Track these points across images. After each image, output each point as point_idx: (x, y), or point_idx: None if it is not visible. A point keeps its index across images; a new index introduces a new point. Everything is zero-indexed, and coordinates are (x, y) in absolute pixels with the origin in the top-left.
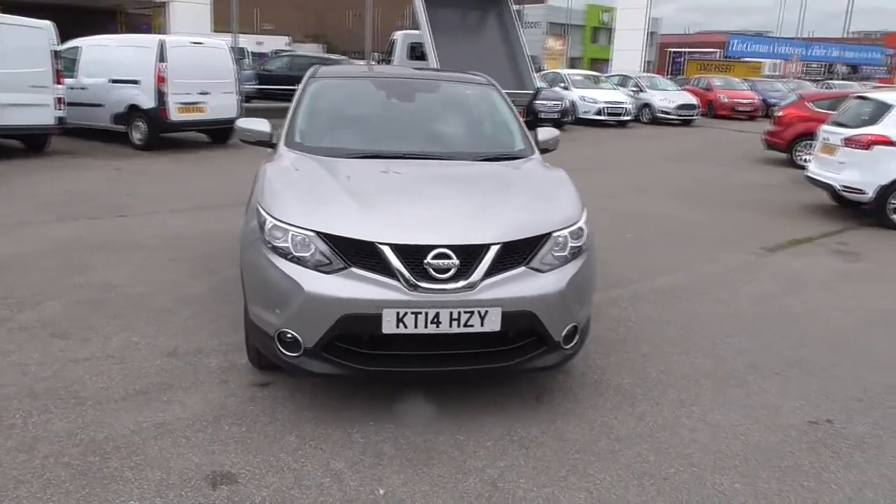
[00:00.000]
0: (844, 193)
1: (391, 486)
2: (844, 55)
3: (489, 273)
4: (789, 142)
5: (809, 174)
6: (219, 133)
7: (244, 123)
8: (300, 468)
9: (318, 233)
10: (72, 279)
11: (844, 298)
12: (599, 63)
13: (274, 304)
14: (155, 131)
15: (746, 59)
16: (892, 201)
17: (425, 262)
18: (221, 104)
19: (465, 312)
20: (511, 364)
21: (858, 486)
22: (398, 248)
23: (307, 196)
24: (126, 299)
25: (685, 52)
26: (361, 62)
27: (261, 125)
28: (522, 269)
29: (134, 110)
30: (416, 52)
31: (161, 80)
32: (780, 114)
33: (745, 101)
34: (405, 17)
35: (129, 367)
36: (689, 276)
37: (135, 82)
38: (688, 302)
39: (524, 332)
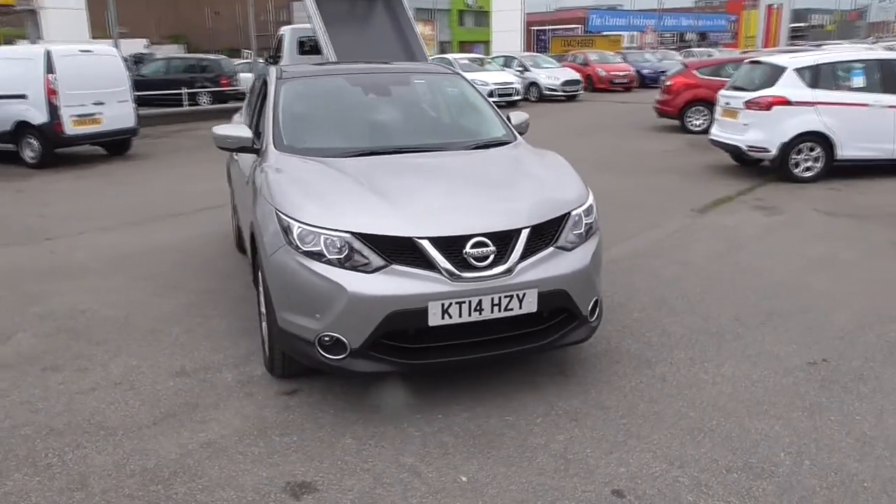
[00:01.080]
0: (751, 153)
1: (469, 472)
2: (694, 24)
3: (523, 256)
4: (680, 109)
5: (713, 137)
6: (115, 145)
7: (222, 130)
8: (372, 468)
9: (353, 233)
10: (30, 309)
11: (782, 249)
12: (468, 45)
13: (313, 309)
14: (49, 147)
15: (606, 33)
16: (793, 157)
17: (464, 251)
18: (118, 114)
19: (505, 297)
20: (547, 342)
21: (877, 414)
22: (437, 241)
23: (330, 197)
24: (102, 324)
25: (549, 30)
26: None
27: (240, 131)
28: (551, 249)
29: (24, 127)
30: (306, 48)
31: (52, 92)
32: (669, 83)
33: (621, 73)
34: (268, 11)
35: (144, 392)
36: (641, 243)
37: (21, 97)
38: (650, 267)
39: (556, 310)
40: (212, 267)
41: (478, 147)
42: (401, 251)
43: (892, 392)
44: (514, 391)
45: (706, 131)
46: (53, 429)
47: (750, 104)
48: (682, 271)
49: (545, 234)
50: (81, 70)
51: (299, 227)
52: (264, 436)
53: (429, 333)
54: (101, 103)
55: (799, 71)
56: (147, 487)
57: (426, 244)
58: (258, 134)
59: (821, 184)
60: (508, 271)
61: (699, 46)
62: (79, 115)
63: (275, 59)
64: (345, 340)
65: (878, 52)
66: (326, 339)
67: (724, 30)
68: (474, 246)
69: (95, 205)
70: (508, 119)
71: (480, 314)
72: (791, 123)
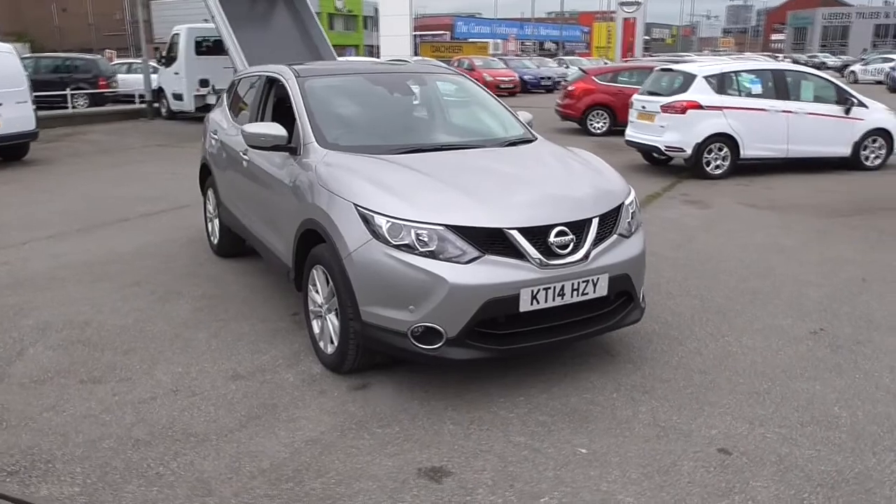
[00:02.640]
0: (668, 152)
1: (582, 444)
2: (551, 33)
3: (594, 244)
4: (582, 112)
5: (629, 138)
6: (12, 150)
7: (254, 128)
8: (490, 449)
9: (447, 226)
10: (21, 322)
11: (729, 238)
12: (339, 49)
13: (407, 301)
14: None
15: (472, 40)
16: (705, 156)
17: (549, 240)
18: (16, 116)
19: (583, 282)
20: (613, 323)
21: (890, 369)
22: (525, 232)
23: (411, 192)
24: (117, 333)
25: (417, 36)
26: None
27: (275, 129)
28: (615, 236)
29: None
30: (202, 48)
31: None
32: (572, 88)
33: (506, 78)
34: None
35: (210, 398)
36: None
37: None
38: None
39: (619, 293)
40: (199, 272)
41: (510, 144)
42: (492, 242)
43: (891, 351)
44: (575, 372)
45: (607, 133)
46: (138, 439)
47: (666, 108)
48: (656, 260)
49: (608, 222)
50: None
51: (388, 221)
52: (365, 429)
53: (517, 319)
54: None
55: (707, 78)
56: (278, 486)
57: (516, 234)
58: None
59: (730, 180)
60: (585, 257)
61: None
62: None
63: (168, 60)
64: (441, 330)
65: (769, 63)
66: (420, 329)
67: (579, 40)
68: (557, 235)
69: (24, 213)
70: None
71: (563, 299)
72: (703, 126)
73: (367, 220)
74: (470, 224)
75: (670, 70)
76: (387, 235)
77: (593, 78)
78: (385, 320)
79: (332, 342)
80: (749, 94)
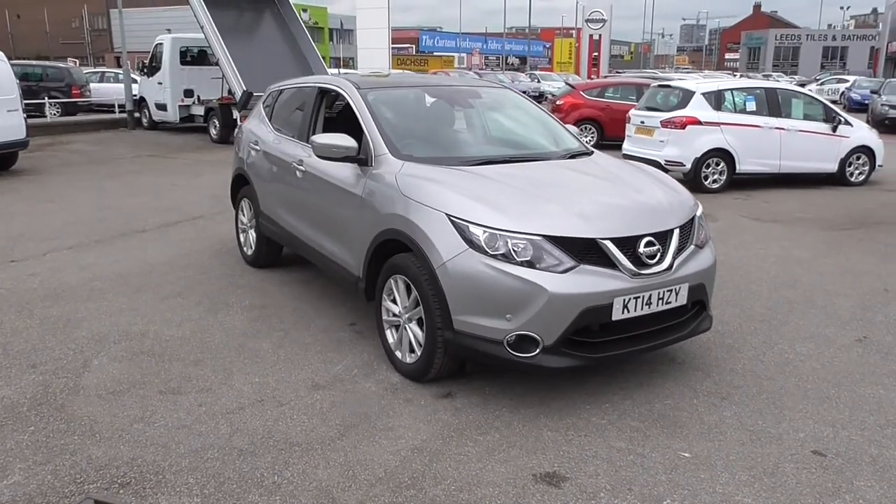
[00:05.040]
0: (668, 167)
1: (683, 448)
2: (515, 48)
3: (676, 254)
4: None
5: (627, 152)
6: (1, 159)
7: (324, 139)
8: (597, 454)
9: (544, 236)
10: (75, 334)
11: (747, 250)
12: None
13: (504, 310)
14: None
15: (438, 53)
16: (704, 170)
17: (638, 250)
18: (6, 125)
19: (667, 291)
20: (689, 331)
21: None
22: (617, 242)
23: (503, 202)
24: (179, 344)
25: None
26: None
27: (345, 140)
28: (692, 247)
29: None
30: (187, 58)
31: None
32: (560, 102)
33: None
34: (83, 17)
35: (298, 407)
36: None
37: None
38: None
39: (694, 302)
40: (239, 283)
41: (571, 156)
42: (586, 251)
43: None
44: (650, 379)
45: (595, 147)
46: (242, 449)
47: (666, 123)
48: None
49: (685, 233)
50: None
51: (485, 231)
52: (465, 437)
53: (608, 328)
54: None
55: (706, 95)
56: (402, 493)
57: (609, 244)
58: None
59: (727, 194)
60: (670, 267)
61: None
62: None
63: (150, 69)
64: (537, 338)
65: (764, 81)
66: (516, 337)
67: (542, 55)
68: (646, 245)
69: (34, 224)
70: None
71: (649, 308)
72: (702, 141)
73: (461, 230)
74: (566, 234)
75: (668, 86)
76: (484, 245)
77: (581, 93)
78: (480, 329)
79: (411, 351)
80: (744, 111)
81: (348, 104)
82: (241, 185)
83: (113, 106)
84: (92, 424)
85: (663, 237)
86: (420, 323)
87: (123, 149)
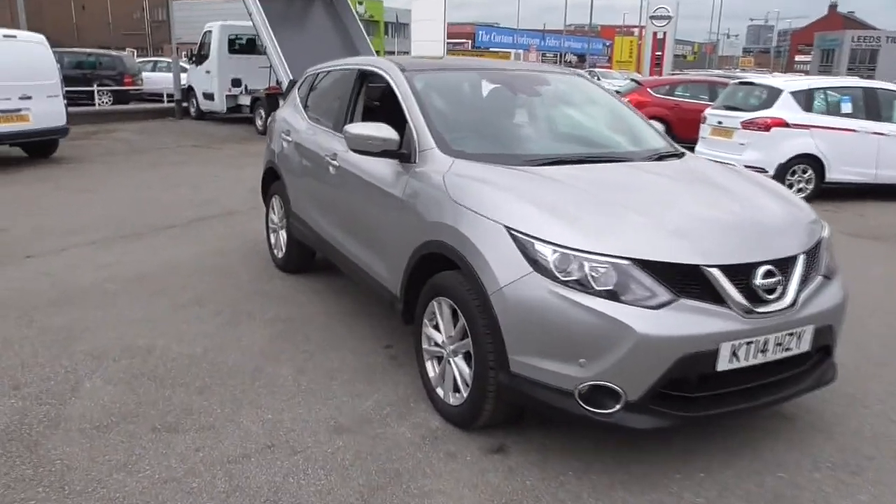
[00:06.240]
0: None
1: None
2: (573, 45)
3: (800, 287)
4: None
5: (700, 154)
6: (41, 146)
7: (359, 129)
8: None
9: (633, 260)
10: (73, 348)
11: (846, 270)
12: None
13: (576, 353)
14: None
15: (494, 49)
16: (789, 178)
17: (754, 282)
18: (48, 111)
19: (788, 335)
20: (810, 384)
21: None
22: (727, 270)
23: (579, 214)
24: (184, 365)
25: None
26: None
27: (384, 131)
28: (820, 278)
29: None
30: (235, 46)
31: None
32: (626, 100)
33: None
34: (144, 9)
35: (315, 457)
36: None
37: None
38: None
39: (818, 348)
40: (266, 290)
41: (658, 158)
42: (685, 282)
43: None
44: (753, 441)
45: None
46: None
47: (748, 124)
48: None
49: (810, 260)
50: (4, 58)
51: (555, 250)
52: None
53: (708, 380)
54: (28, 97)
55: (794, 94)
56: None
57: (716, 273)
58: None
59: (814, 205)
60: (793, 304)
61: (576, 66)
62: (1, 111)
63: (199, 58)
64: (619, 390)
65: (862, 81)
66: (590, 389)
67: (601, 53)
68: (764, 276)
69: (62, 215)
70: None
71: (764, 356)
72: (788, 145)
73: (524, 248)
74: (661, 259)
75: (751, 84)
76: (553, 269)
77: (648, 90)
78: (544, 374)
79: (455, 390)
80: (838, 113)
81: (391, 89)
82: (272, 181)
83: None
84: (64, 472)
85: (784, 265)
86: (468, 358)
87: (168, 138)
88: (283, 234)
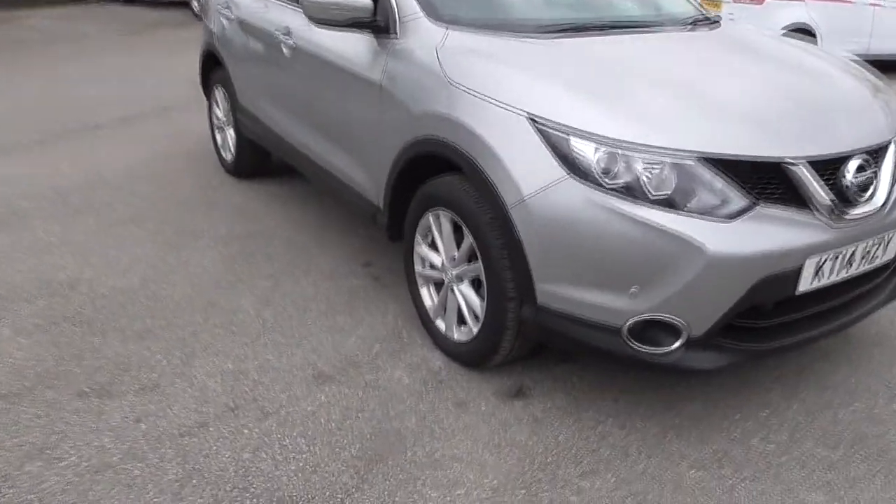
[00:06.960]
0: None
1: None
2: None
3: (893, 183)
4: None
5: None
6: None
7: None
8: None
9: (699, 155)
10: None
11: None
12: None
13: (627, 281)
14: None
15: None
16: None
17: (844, 179)
18: None
19: (876, 243)
20: (885, 297)
21: None
22: (815, 165)
23: (624, 97)
24: (122, 304)
25: None
26: None
27: None
28: None
29: None
30: None
31: None
32: None
33: None
34: None
35: (294, 420)
36: None
37: None
38: None
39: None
40: (215, 201)
41: (694, 24)
42: (763, 182)
43: None
44: (812, 364)
45: None
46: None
47: None
48: None
49: None
50: None
51: (599, 145)
52: (561, 482)
53: (783, 305)
54: None
55: None
56: None
57: (803, 170)
58: None
59: None
60: (884, 205)
61: None
62: None
63: None
64: (680, 324)
65: None
66: (643, 324)
67: None
68: (857, 171)
69: None
70: None
71: (847, 270)
72: (782, 16)
73: (555, 144)
74: (736, 153)
75: None
76: (596, 171)
77: None
78: (581, 307)
79: (461, 322)
80: None
81: None
82: (212, 68)
83: None
84: None
85: (875, 156)
86: (476, 285)
87: (90, 26)
88: (230, 133)
